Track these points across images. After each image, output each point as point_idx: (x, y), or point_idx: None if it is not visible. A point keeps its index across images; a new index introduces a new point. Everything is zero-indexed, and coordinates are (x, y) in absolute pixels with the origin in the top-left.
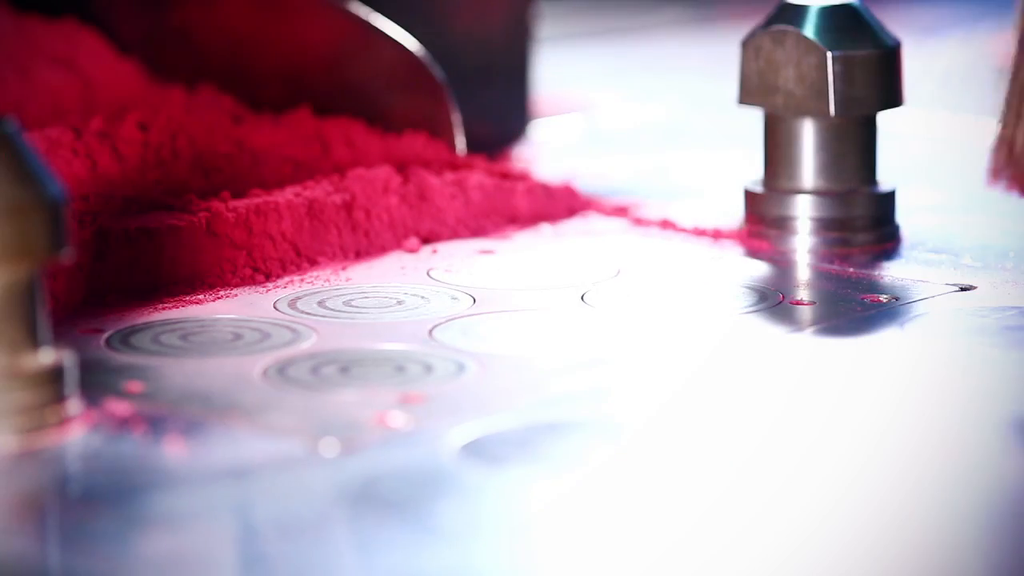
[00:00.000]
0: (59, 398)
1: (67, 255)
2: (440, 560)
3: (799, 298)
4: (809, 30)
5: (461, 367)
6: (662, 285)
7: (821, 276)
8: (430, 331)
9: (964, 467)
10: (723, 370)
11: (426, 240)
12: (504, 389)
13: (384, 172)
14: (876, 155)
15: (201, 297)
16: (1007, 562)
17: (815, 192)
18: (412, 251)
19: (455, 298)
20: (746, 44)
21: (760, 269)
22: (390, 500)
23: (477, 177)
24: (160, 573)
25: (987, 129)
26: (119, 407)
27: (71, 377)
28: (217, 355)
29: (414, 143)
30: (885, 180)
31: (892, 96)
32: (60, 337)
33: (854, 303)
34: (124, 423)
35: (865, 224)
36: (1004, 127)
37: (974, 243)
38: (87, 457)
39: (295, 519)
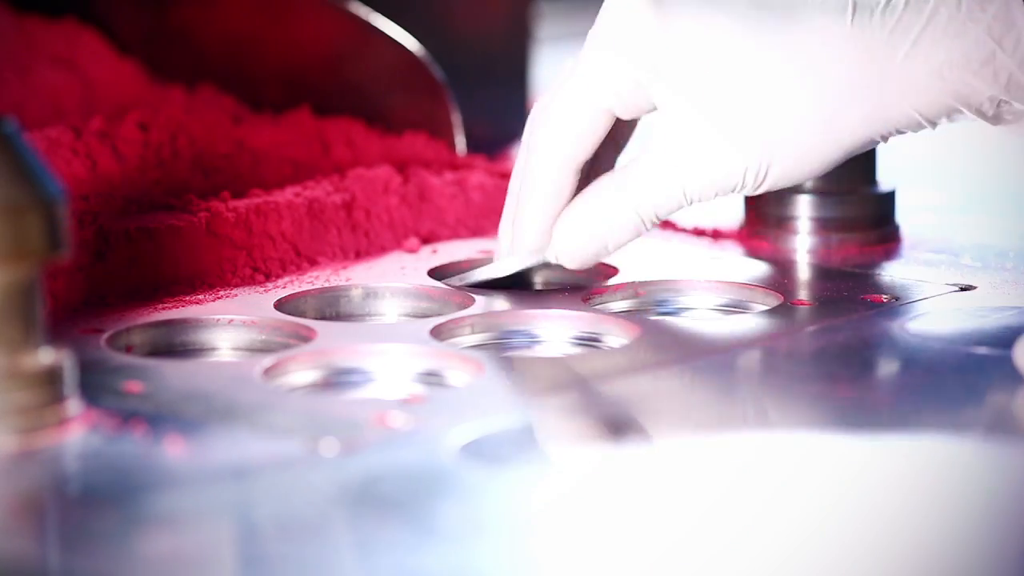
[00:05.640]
0: (59, 398)
1: (66, 255)
2: (440, 560)
3: (799, 298)
4: None
5: (461, 367)
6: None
7: (821, 276)
8: (430, 331)
9: (963, 466)
10: (723, 370)
11: (426, 240)
12: (504, 389)
13: (384, 172)
14: (876, 155)
15: (201, 297)
16: (1006, 561)
17: (815, 192)
18: (412, 251)
19: (456, 298)
20: None
21: (760, 269)
22: (390, 500)
23: (477, 177)
24: (160, 573)
25: (987, 129)
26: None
27: (71, 377)
28: (216, 356)
29: (414, 143)
30: (885, 180)
31: None
32: (60, 337)
33: (854, 303)
34: (124, 423)
35: (865, 224)
36: None
37: (974, 243)
38: (87, 457)
39: (295, 519)
